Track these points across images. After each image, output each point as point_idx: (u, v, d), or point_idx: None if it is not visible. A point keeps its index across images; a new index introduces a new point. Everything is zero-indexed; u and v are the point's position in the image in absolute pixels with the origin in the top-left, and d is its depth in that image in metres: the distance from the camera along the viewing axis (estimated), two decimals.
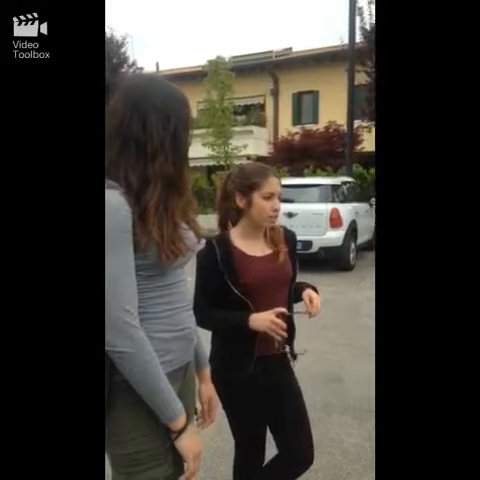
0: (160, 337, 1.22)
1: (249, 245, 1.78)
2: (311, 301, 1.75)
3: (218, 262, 1.71)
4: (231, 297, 1.70)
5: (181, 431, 1.21)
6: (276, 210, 1.73)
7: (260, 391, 1.79)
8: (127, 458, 1.20)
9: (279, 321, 1.63)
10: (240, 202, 1.75)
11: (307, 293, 1.78)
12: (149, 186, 1.17)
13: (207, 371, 1.53)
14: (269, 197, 1.71)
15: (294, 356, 1.90)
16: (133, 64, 16.87)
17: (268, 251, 1.80)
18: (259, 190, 1.71)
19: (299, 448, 1.85)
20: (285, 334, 1.65)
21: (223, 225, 1.86)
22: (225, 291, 1.70)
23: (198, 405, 1.49)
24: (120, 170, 1.18)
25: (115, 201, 1.13)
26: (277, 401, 1.84)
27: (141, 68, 16.94)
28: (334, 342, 4.75)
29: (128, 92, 1.22)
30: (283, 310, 1.66)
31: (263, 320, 1.64)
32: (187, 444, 1.22)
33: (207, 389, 1.51)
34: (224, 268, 1.70)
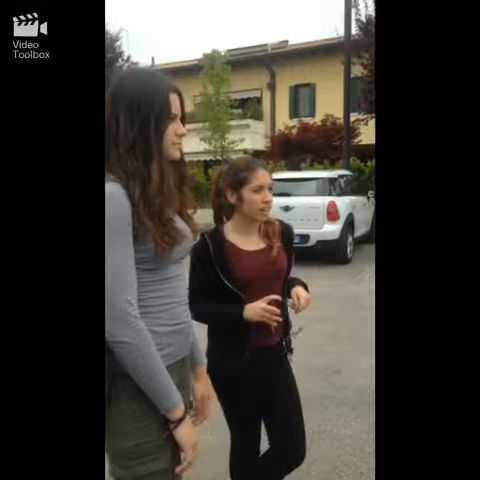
0: (157, 331, 1.24)
1: (243, 239, 1.80)
2: (298, 298, 1.76)
3: (211, 256, 1.72)
4: (224, 291, 1.72)
5: (179, 421, 1.23)
6: (267, 202, 1.74)
7: (255, 384, 1.81)
8: (126, 451, 1.22)
9: (272, 308, 1.66)
10: (231, 198, 1.76)
11: (295, 291, 1.80)
12: (131, 182, 1.18)
13: (202, 369, 1.53)
14: (258, 190, 1.72)
15: (290, 349, 1.92)
16: (128, 59, 16.76)
17: (262, 245, 1.82)
18: (248, 184, 1.72)
19: (291, 443, 1.87)
20: (279, 319, 1.67)
21: (218, 221, 1.88)
22: (218, 285, 1.72)
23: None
24: (110, 167, 1.20)
25: (117, 194, 1.15)
26: (271, 394, 1.85)
27: (136, 63, 16.83)
28: (331, 335, 4.78)
29: (110, 89, 1.23)
30: (275, 297, 1.69)
31: (256, 309, 1.67)
32: (185, 434, 1.24)
33: (201, 387, 1.52)
34: (217, 262, 1.72)
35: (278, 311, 1.66)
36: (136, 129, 1.20)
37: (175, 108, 1.25)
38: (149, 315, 1.23)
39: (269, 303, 1.67)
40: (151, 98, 1.21)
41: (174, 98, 1.25)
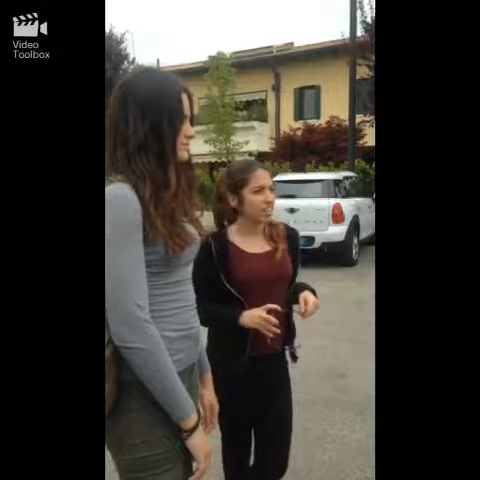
0: (168, 336, 1.20)
1: (247, 242, 1.77)
2: (306, 303, 1.71)
3: (213, 257, 1.69)
4: (225, 293, 1.68)
5: (192, 430, 1.19)
6: (268, 203, 1.71)
7: (248, 393, 1.76)
8: (136, 463, 1.18)
9: (269, 317, 1.60)
10: (232, 202, 1.74)
11: (303, 296, 1.74)
12: (141, 182, 1.15)
13: (209, 376, 1.49)
14: (259, 191, 1.70)
15: (294, 357, 1.88)
16: (133, 61, 16.80)
17: (267, 248, 1.78)
18: (247, 186, 1.70)
19: (269, 460, 1.84)
20: (277, 330, 1.62)
21: (220, 226, 1.85)
22: (219, 287, 1.68)
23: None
24: (117, 166, 1.18)
25: (126, 195, 1.12)
26: (263, 407, 1.80)
27: (142, 65, 16.85)
28: (337, 337, 4.75)
29: (118, 87, 1.21)
30: (274, 306, 1.63)
31: (253, 316, 1.62)
32: (198, 443, 1.20)
33: (209, 394, 1.48)
34: (218, 264, 1.69)
35: (276, 322, 1.61)
36: (147, 128, 1.17)
37: (186, 109, 1.24)
38: (159, 319, 1.19)
39: (268, 312, 1.62)
40: (164, 98, 1.19)
41: (185, 98, 1.24)
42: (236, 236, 1.78)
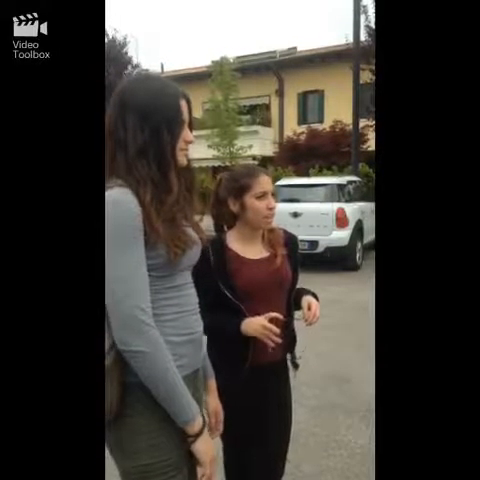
0: (171, 341, 1.20)
1: (245, 248, 1.73)
2: (310, 308, 1.68)
3: (210, 263, 1.65)
4: (223, 300, 1.64)
5: (198, 435, 1.18)
6: (271, 209, 1.68)
7: (249, 403, 1.71)
8: (140, 470, 1.16)
9: (271, 326, 1.57)
10: (234, 207, 1.70)
11: (306, 300, 1.72)
12: (141, 187, 1.16)
13: (213, 382, 1.48)
14: (262, 196, 1.67)
15: (295, 365, 1.84)
16: (137, 66, 16.87)
17: (265, 254, 1.75)
18: (251, 191, 1.67)
19: (270, 469, 1.81)
20: (278, 340, 1.59)
21: (218, 230, 1.81)
22: (217, 294, 1.64)
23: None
24: (117, 171, 1.18)
25: (126, 199, 1.13)
26: (263, 418, 1.76)
27: (146, 70, 16.92)
28: (341, 342, 4.72)
29: (116, 94, 1.22)
30: (276, 315, 1.60)
31: (255, 325, 1.59)
32: (204, 448, 1.19)
33: (213, 400, 1.46)
34: (216, 270, 1.65)
35: (278, 331, 1.57)
36: (147, 134, 1.18)
37: (185, 115, 1.24)
38: (162, 324, 1.19)
39: (270, 320, 1.58)
40: (163, 104, 1.20)
41: (183, 104, 1.24)
42: (234, 242, 1.74)
